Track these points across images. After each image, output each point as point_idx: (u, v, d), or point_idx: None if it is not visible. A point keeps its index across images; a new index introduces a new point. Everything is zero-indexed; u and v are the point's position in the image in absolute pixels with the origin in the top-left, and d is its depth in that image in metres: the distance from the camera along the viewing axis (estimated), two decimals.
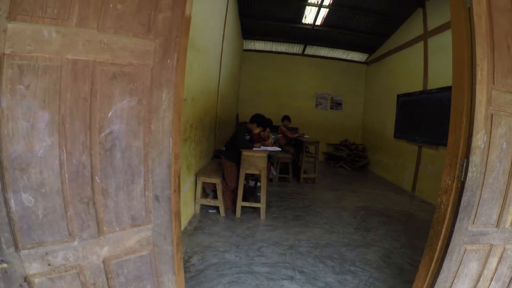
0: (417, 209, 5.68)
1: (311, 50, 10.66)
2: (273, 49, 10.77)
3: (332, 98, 10.96)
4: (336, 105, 10.96)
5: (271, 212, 4.64)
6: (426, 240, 2.07)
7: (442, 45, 6.34)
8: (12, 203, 1.31)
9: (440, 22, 6.46)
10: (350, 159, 9.72)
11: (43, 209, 1.38)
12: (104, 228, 1.54)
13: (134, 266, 1.66)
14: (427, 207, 5.87)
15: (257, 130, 4.77)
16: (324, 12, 8.18)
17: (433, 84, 6.64)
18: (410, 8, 7.67)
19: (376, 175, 9.08)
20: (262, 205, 4.37)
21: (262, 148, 4.62)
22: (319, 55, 10.82)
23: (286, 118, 7.58)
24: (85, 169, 1.45)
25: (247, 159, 4.30)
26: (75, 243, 1.47)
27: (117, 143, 1.53)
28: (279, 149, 5.11)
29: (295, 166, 7.23)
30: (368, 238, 3.95)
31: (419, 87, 7.20)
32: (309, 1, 7.70)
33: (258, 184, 5.67)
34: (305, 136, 7.74)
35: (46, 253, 1.40)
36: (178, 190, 1.71)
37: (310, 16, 8.49)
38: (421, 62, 7.17)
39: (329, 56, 10.82)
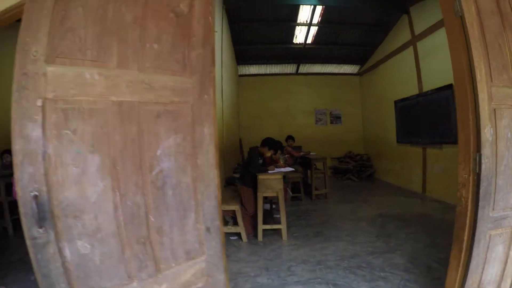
0: (431, 209, 5.77)
1: (304, 68, 10.95)
2: (268, 72, 11.06)
3: (331, 112, 11.15)
4: (336, 119, 11.15)
5: (291, 231, 4.69)
6: (447, 237, 2.17)
7: (431, 47, 6.57)
8: (67, 252, 1.26)
9: (426, 26, 6.70)
10: (356, 170, 9.82)
11: (99, 255, 1.33)
12: (161, 265, 1.52)
13: None
14: (440, 206, 5.94)
15: (268, 154, 4.88)
16: (313, 30, 8.52)
17: (428, 86, 6.82)
18: (395, 16, 7.97)
19: (384, 182, 9.17)
20: (283, 226, 4.43)
21: (276, 170, 4.72)
22: (313, 72, 11.11)
23: (290, 138, 7.71)
24: (140, 209, 1.44)
25: (263, 183, 4.39)
26: (134, 284, 1.44)
27: (168, 181, 1.53)
28: (292, 169, 5.20)
29: (305, 184, 7.31)
30: (391, 244, 4.02)
31: (414, 91, 7.37)
32: (298, 21, 8.01)
33: (273, 206, 5.75)
34: (311, 153, 7.86)
35: None
36: (221, 220, 1.76)
37: (300, 35, 8.82)
38: (413, 66, 7.37)
39: (322, 72, 11.11)
